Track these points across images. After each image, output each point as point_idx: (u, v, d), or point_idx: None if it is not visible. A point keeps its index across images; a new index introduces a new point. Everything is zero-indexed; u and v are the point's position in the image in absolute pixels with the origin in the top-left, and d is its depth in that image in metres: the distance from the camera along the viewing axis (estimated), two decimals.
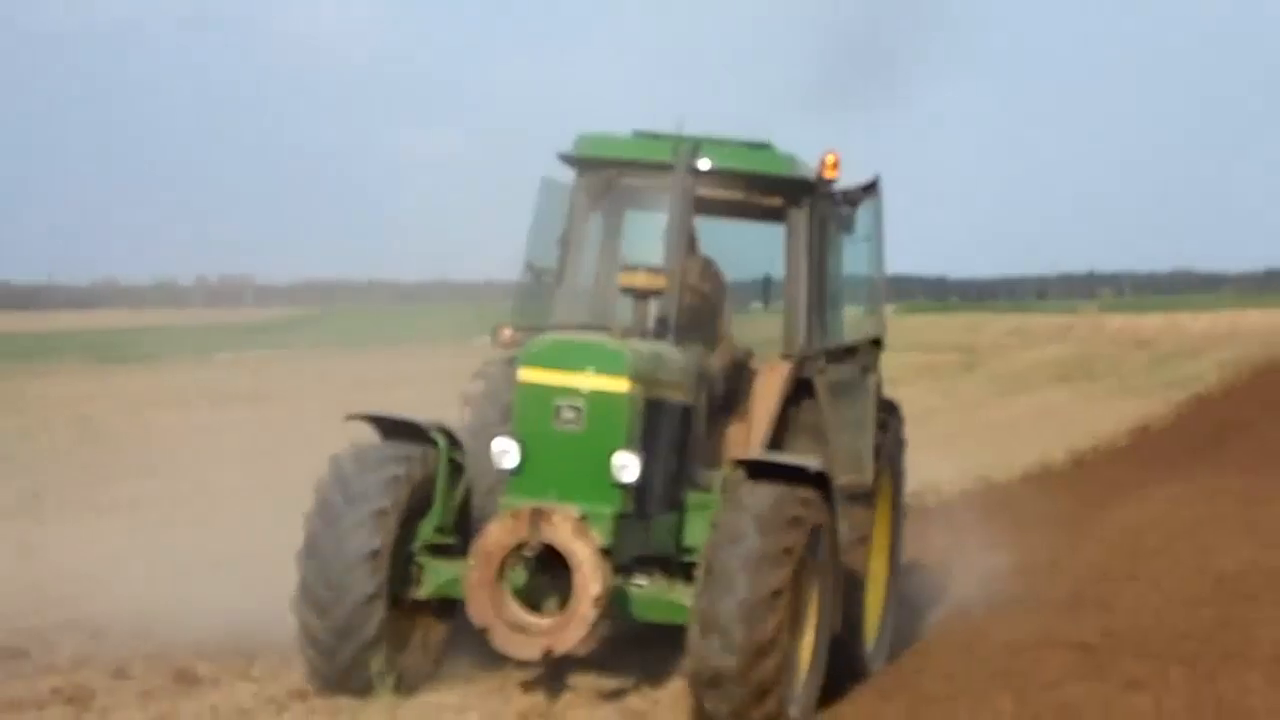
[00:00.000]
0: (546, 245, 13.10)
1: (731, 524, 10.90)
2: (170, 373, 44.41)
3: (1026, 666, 12.83)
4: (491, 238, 17.02)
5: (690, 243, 12.76)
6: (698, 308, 12.84)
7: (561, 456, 11.33)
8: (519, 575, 11.14)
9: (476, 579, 11.03)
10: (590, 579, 10.89)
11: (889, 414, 13.57)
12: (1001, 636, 14.02)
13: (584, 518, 11.00)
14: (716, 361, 12.86)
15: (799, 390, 12.88)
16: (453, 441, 11.92)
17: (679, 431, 12.10)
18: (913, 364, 55.80)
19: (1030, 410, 39.18)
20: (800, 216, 12.99)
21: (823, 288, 13.15)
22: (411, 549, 11.71)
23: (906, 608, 15.10)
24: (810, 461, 11.50)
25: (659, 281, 11.98)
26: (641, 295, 12.06)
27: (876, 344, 13.20)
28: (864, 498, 12.74)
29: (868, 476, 12.72)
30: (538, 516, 10.95)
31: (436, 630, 11.92)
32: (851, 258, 13.47)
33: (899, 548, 14.26)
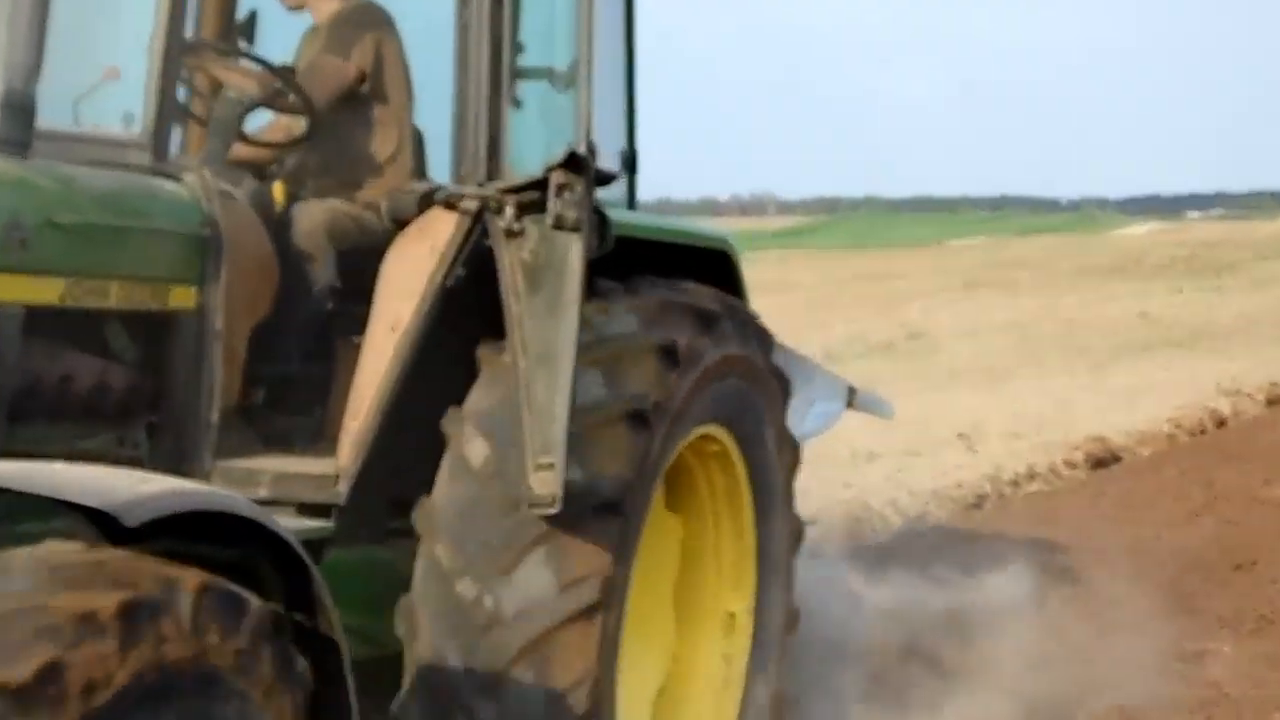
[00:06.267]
0: None
1: None
2: None
3: None
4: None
5: None
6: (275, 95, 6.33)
7: None
8: None
9: None
10: None
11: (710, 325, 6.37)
12: None
13: None
14: (315, 213, 6.24)
15: (478, 275, 5.77)
16: None
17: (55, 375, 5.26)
18: None
19: None
20: None
21: (510, 58, 6.07)
22: None
23: None
24: (191, 490, 3.81)
25: None
26: None
27: (601, 177, 5.59)
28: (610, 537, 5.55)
29: (554, 487, 5.26)
30: None
31: None
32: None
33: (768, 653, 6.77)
